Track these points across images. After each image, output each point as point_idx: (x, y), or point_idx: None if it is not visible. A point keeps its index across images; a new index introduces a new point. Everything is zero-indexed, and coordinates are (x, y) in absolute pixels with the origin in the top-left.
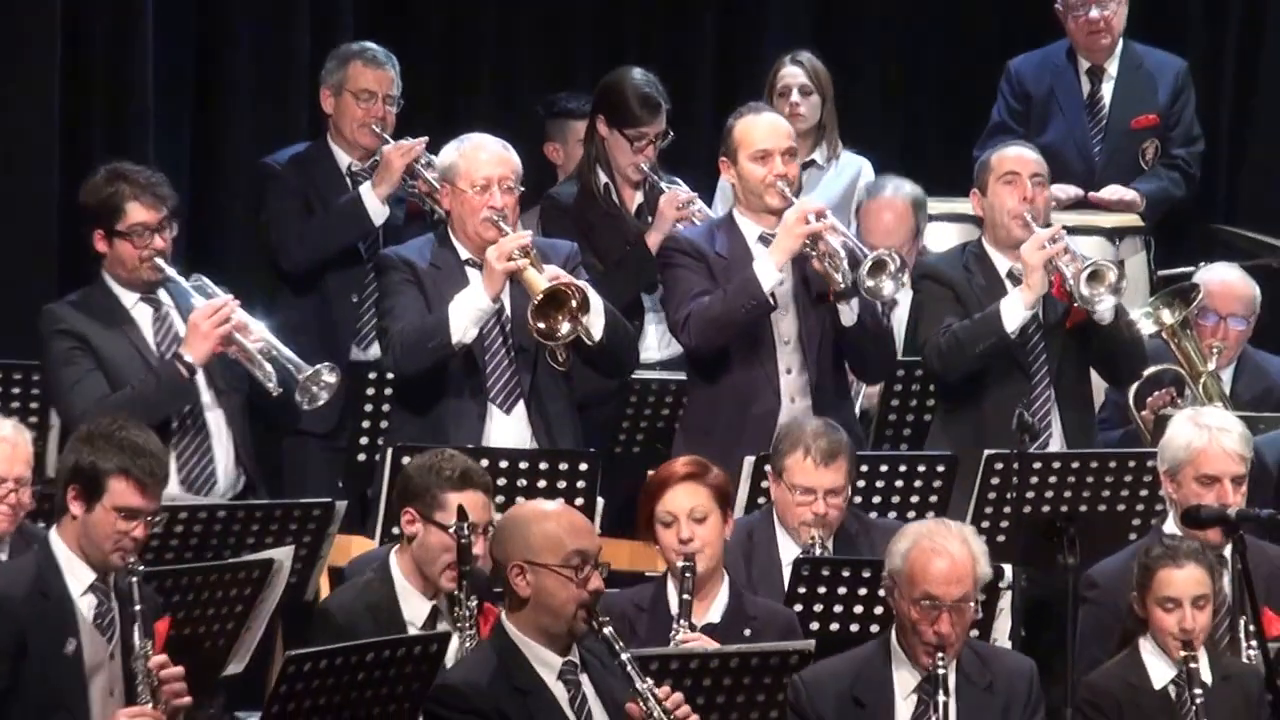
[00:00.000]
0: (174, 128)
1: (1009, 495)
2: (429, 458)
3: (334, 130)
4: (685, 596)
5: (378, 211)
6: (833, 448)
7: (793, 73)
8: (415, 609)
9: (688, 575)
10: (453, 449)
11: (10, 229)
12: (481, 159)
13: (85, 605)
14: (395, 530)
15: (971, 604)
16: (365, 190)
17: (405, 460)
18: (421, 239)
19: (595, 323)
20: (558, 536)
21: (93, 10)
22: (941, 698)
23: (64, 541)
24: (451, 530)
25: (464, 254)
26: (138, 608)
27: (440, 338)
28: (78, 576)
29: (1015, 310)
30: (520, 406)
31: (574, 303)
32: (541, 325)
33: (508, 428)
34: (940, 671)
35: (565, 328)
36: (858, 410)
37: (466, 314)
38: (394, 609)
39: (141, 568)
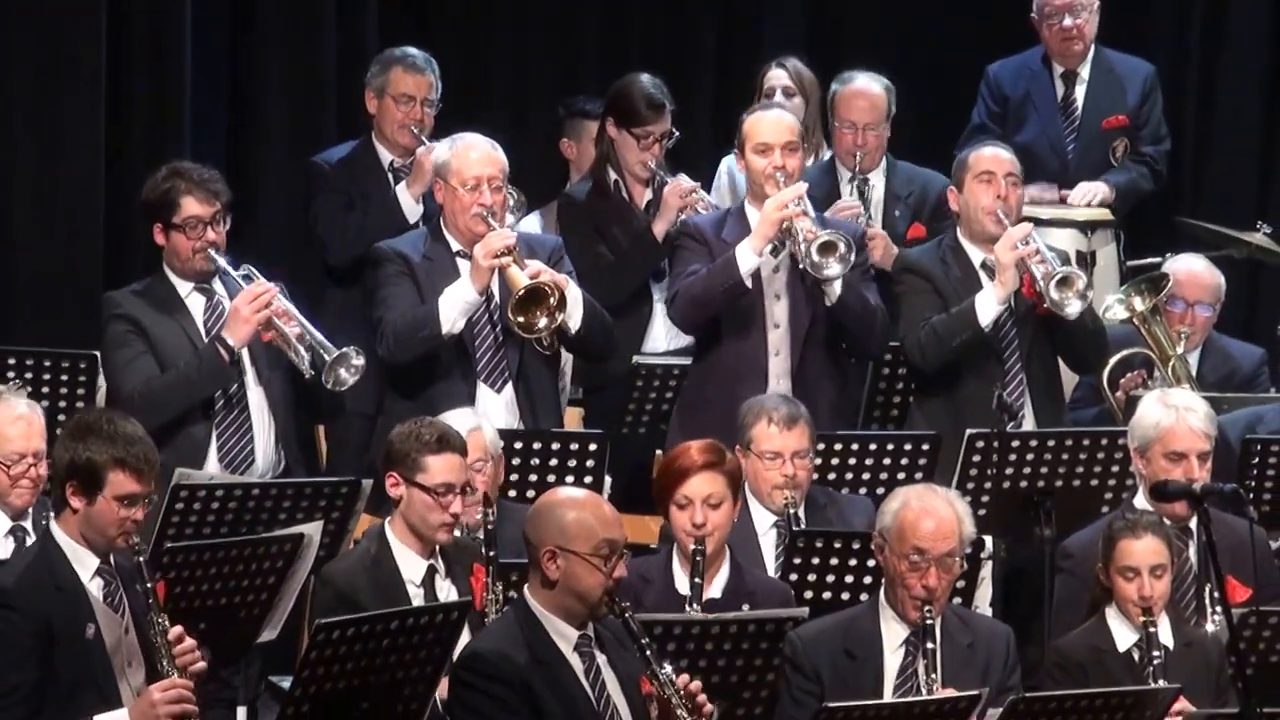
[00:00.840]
0: (210, 130)
1: (989, 471)
2: (409, 425)
3: (377, 130)
4: (697, 580)
5: (411, 209)
6: (792, 414)
7: (777, 75)
8: (412, 568)
9: (698, 560)
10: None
11: (59, 225)
12: (472, 158)
13: (95, 589)
14: None
15: (957, 559)
16: (400, 189)
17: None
18: (415, 232)
19: (574, 314)
20: (591, 526)
21: (134, 21)
22: (930, 645)
23: (65, 532)
24: (433, 491)
25: (455, 246)
26: (149, 584)
27: (430, 328)
28: (84, 564)
29: (988, 306)
30: (509, 387)
31: (552, 300)
32: (521, 320)
33: (498, 406)
34: (929, 622)
35: (543, 322)
36: None
37: (455, 306)
38: (392, 569)
39: (145, 546)
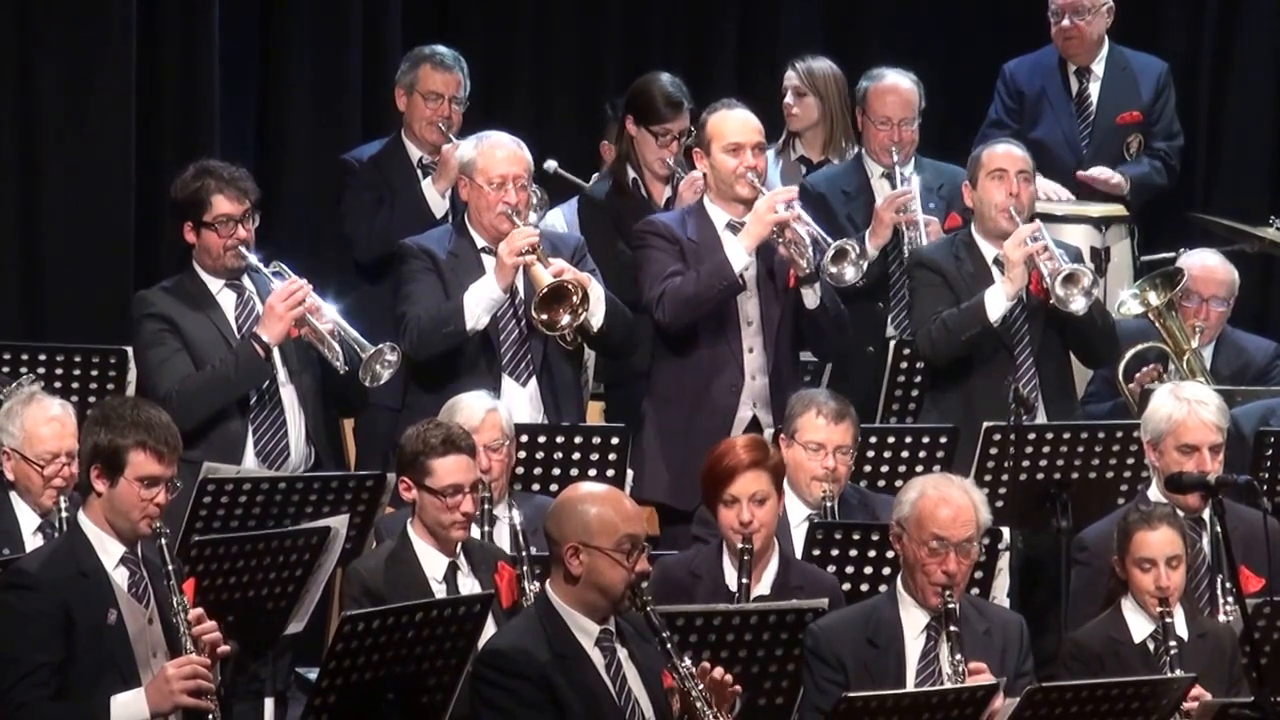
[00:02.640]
0: (239, 129)
1: (1006, 464)
2: (416, 428)
3: (406, 127)
4: (744, 580)
5: (438, 205)
6: (841, 409)
7: (789, 76)
8: (434, 566)
9: (746, 559)
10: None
11: (90, 223)
12: (498, 157)
13: (120, 577)
14: None
15: (975, 545)
16: (427, 185)
17: None
18: (440, 229)
19: (596, 313)
20: (613, 521)
21: (164, 22)
22: (953, 628)
23: (91, 520)
24: (441, 493)
25: (480, 243)
26: (170, 567)
27: (455, 324)
28: (109, 551)
29: (998, 301)
30: (533, 380)
31: (575, 297)
32: (544, 317)
33: (523, 399)
34: (950, 606)
35: (566, 319)
36: None
37: (480, 303)
38: (415, 567)
39: (168, 530)
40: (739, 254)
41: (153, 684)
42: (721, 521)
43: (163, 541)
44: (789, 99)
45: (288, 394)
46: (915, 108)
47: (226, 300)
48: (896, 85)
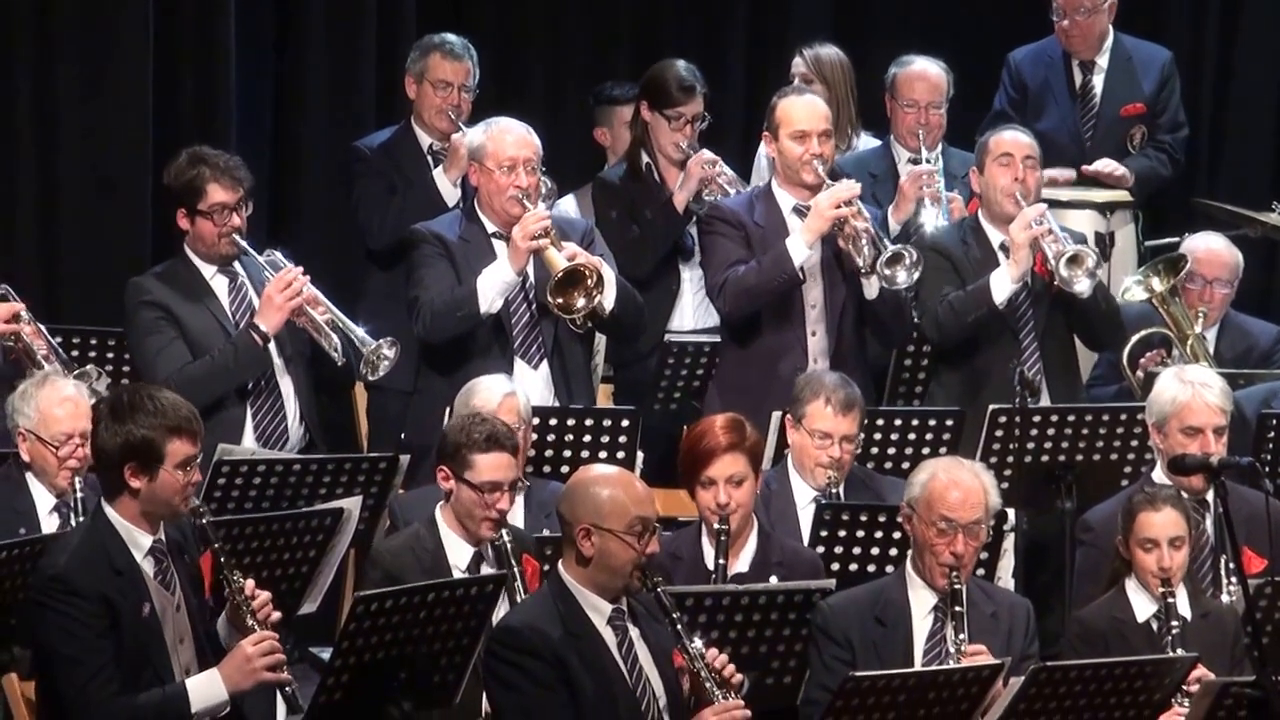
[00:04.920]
0: (255, 118)
1: (1011, 446)
2: (462, 419)
3: (416, 114)
4: (721, 561)
5: (449, 193)
6: (850, 398)
7: (796, 63)
8: (459, 554)
9: (723, 538)
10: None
11: (107, 208)
12: (508, 141)
13: (148, 568)
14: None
15: (984, 527)
16: (438, 173)
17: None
18: (451, 214)
19: (609, 296)
20: (624, 504)
21: (181, 12)
22: (958, 608)
23: (121, 514)
24: (479, 488)
25: (490, 228)
26: (217, 545)
27: (468, 308)
28: (138, 544)
29: (1003, 284)
30: (545, 363)
31: (590, 281)
32: (559, 301)
33: (535, 382)
34: (956, 587)
35: (580, 303)
36: None
37: (494, 286)
38: (439, 554)
39: (204, 508)
40: (799, 247)
41: (229, 663)
42: (699, 503)
43: (206, 520)
44: (796, 84)
45: (284, 381)
46: (943, 94)
47: (220, 286)
48: (925, 71)
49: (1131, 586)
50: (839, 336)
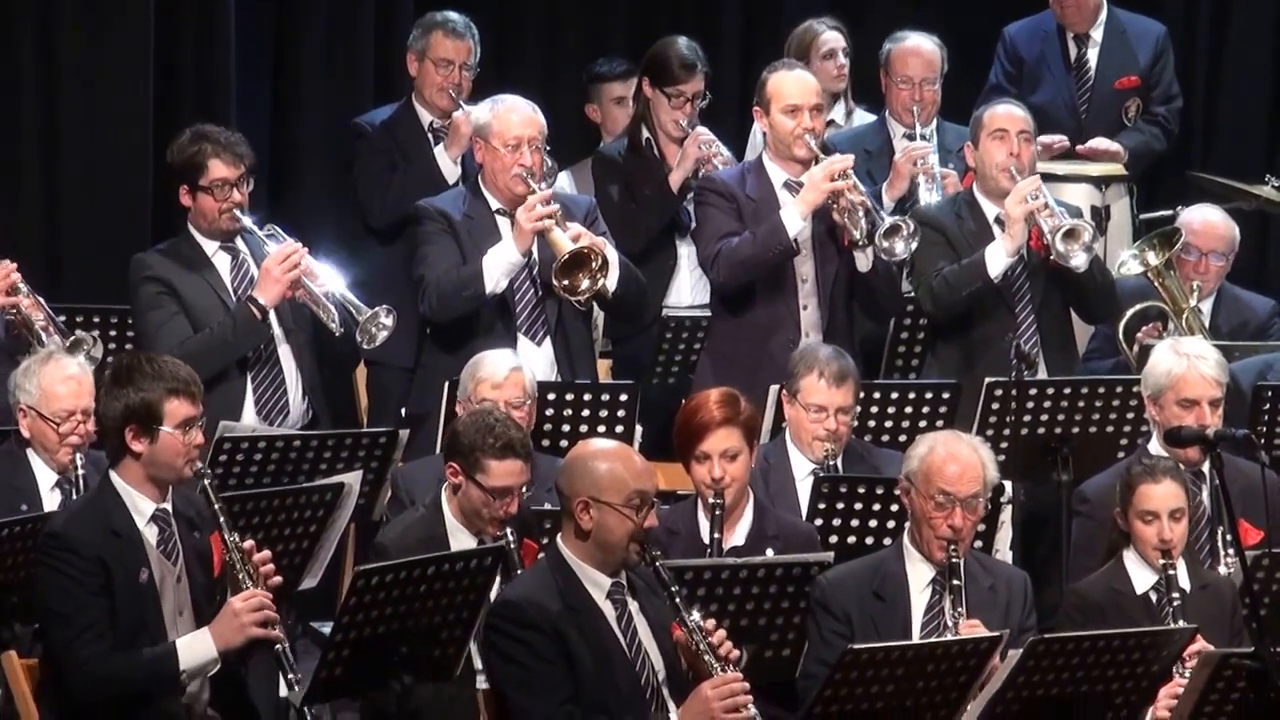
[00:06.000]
0: (254, 95)
1: (1008, 419)
2: (480, 419)
3: (417, 92)
4: (716, 535)
5: (450, 171)
6: (843, 370)
7: (835, 37)
8: (462, 543)
9: (717, 513)
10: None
11: (109, 187)
12: (514, 120)
13: (150, 535)
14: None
15: (981, 501)
16: (439, 151)
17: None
18: (455, 190)
19: (612, 276)
20: (623, 478)
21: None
22: (955, 582)
23: (125, 480)
24: (490, 492)
25: (495, 205)
26: (216, 506)
27: (474, 288)
28: (140, 510)
29: (998, 257)
30: (548, 340)
31: (595, 263)
32: (565, 283)
33: (539, 358)
34: (954, 560)
35: (585, 284)
36: None
37: (499, 266)
38: (444, 544)
39: (208, 471)
40: (794, 219)
41: (219, 621)
42: (694, 477)
43: (206, 482)
44: (841, 59)
45: (284, 353)
46: (937, 69)
47: (222, 262)
48: (919, 46)
49: (1130, 558)
50: (831, 310)
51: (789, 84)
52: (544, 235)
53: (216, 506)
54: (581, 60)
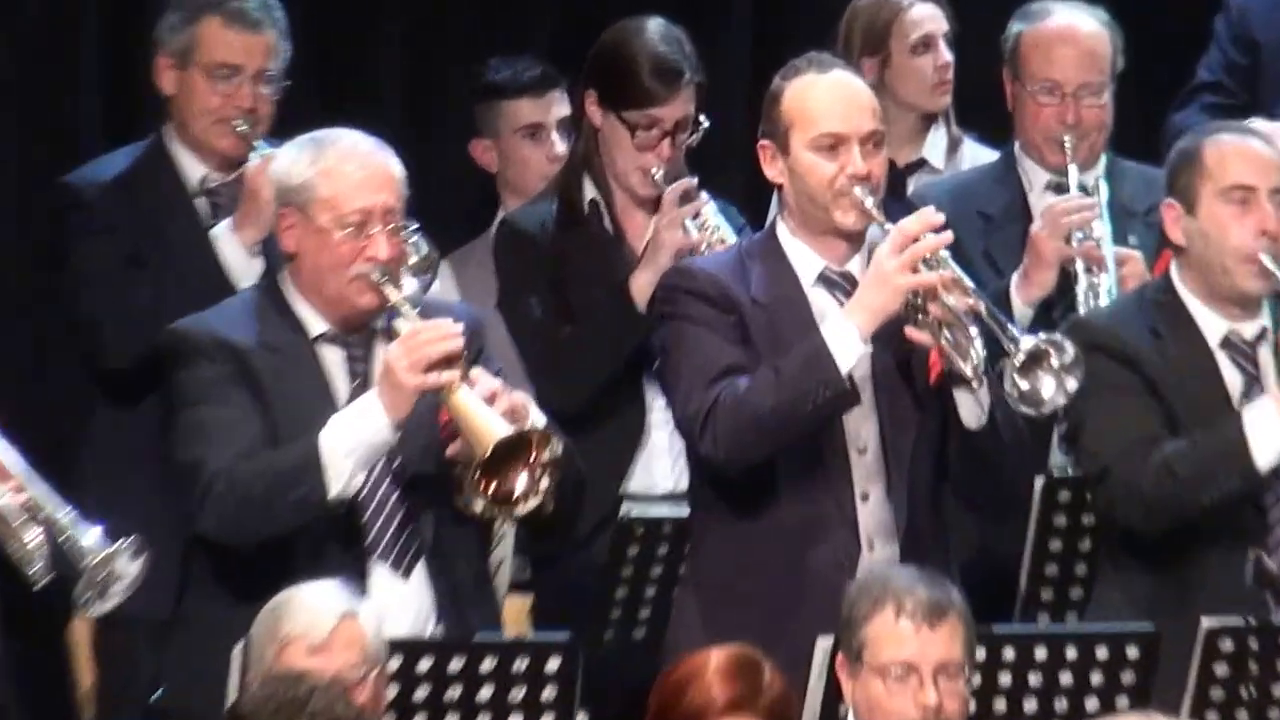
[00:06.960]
0: None
1: (1245, 687)
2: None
3: (179, 125)
4: None
5: (241, 265)
6: (936, 599)
7: (931, 14)
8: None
9: None
10: None
11: None
12: (355, 179)
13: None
14: None
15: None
16: (222, 230)
17: None
18: (242, 302)
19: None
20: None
21: None
22: None
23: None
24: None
25: (317, 326)
26: None
27: (307, 488)
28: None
29: (1271, 429)
30: (420, 567)
31: (538, 452)
32: (490, 489)
33: (405, 599)
34: None
35: (520, 489)
36: None
37: (353, 451)
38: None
39: None
40: (849, 342)
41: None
42: None
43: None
44: (943, 50)
45: None
46: (1106, 69)
47: None
48: (1074, 28)
49: None
50: (912, 502)
51: (820, 97)
52: (440, 397)
53: None
54: (465, 60)
